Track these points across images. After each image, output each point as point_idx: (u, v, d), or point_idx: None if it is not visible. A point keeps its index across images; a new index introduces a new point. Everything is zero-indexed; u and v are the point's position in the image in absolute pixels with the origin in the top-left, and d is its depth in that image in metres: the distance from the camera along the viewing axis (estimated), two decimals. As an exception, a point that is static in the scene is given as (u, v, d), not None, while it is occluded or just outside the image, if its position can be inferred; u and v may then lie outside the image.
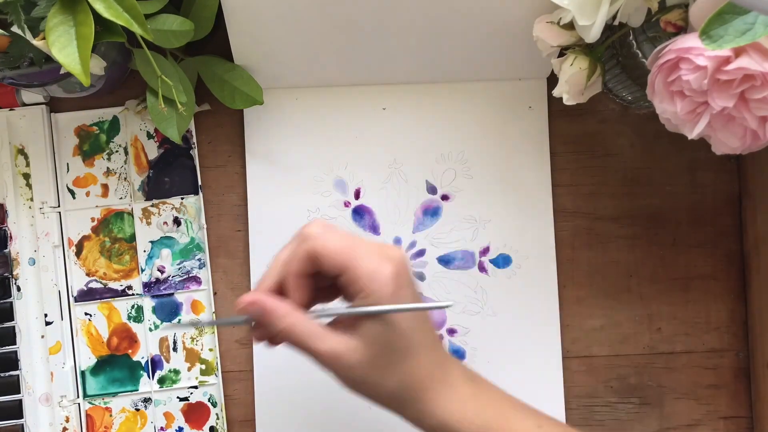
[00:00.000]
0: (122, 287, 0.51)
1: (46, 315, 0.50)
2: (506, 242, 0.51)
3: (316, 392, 0.50)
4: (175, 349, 0.51)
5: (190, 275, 0.51)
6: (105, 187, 0.51)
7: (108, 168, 0.51)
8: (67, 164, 0.51)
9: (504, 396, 0.40)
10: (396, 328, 0.35)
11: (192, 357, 0.50)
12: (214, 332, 0.50)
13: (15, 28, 0.38)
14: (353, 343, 0.35)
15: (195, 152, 0.51)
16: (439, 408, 0.37)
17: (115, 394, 0.50)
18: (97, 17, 0.37)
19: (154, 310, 0.51)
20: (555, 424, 0.39)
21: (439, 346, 0.38)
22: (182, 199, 0.51)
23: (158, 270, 0.51)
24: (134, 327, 0.51)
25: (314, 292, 0.38)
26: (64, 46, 0.37)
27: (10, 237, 0.50)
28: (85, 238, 0.51)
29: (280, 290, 0.37)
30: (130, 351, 0.51)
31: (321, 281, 0.37)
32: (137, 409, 0.51)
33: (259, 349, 0.50)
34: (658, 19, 0.38)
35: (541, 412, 0.40)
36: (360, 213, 0.51)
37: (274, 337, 0.37)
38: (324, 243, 0.35)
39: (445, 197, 0.51)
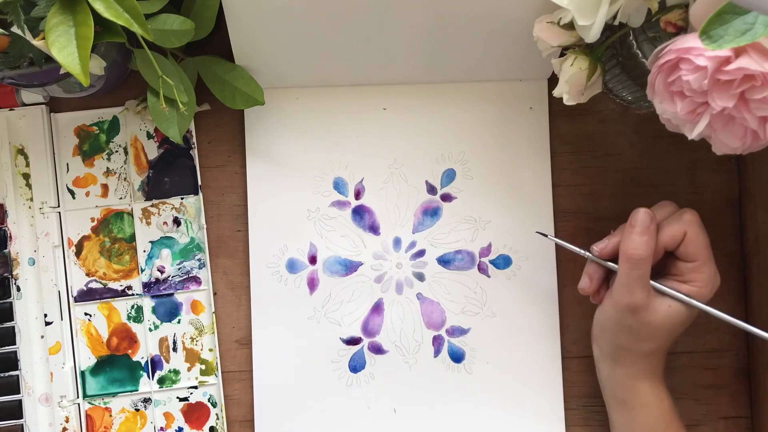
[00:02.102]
0: (122, 287, 0.51)
1: (45, 315, 0.50)
2: (506, 243, 0.51)
3: (316, 393, 0.50)
4: (174, 350, 0.51)
5: (190, 275, 0.51)
6: (105, 187, 0.51)
7: (108, 168, 0.51)
8: (67, 164, 0.51)
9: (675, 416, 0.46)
10: (691, 318, 0.43)
11: (192, 357, 0.50)
12: (214, 332, 0.50)
13: (15, 29, 0.38)
14: (660, 308, 0.43)
15: (195, 152, 0.51)
16: (656, 378, 0.45)
17: (114, 395, 0.50)
18: (97, 17, 0.37)
19: (154, 310, 0.51)
20: None
21: (664, 360, 0.46)
22: (182, 199, 0.51)
23: (158, 270, 0.51)
24: (134, 327, 0.51)
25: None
26: (64, 46, 0.37)
27: (10, 237, 0.50)
28: (84, 238, 0.51)
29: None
30: (129, 351, 0.51)
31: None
32: (137, 410, 0.51)
33: (259, 349, 0.50)
34: (658, 19, 0.38)
35: None
36: (360, 213, 0.51)
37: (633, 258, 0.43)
38: (698, 235, 0.43)
39: (445, 197, 0.51)
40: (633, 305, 0.43)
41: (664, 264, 0.45)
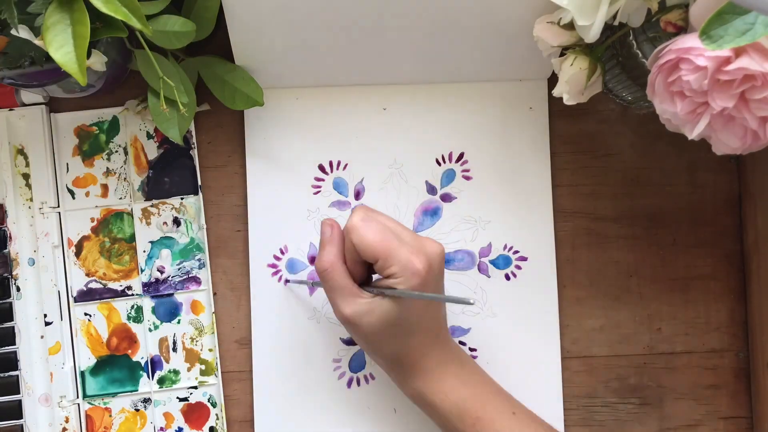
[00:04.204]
0: (122, 287, 0.51)
1: (45, 315, 0.50)
2: (506, 243, 0.51)
3: (315, 393, 0.50)
4: (174, 350, 0.50)
5: (190, 275, 0.51)
6: (105, 187, 0.51)
7: (108, 168, 0.51)
8: (67, 164, 0.51)
9: (486, 381, 0.45)
10: (405, 311, 0.41)
11: (192, 357, 0.50)
12: (214, 333, 0.50)
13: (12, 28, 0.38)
14: (370, 309, 0.41)
15: (195, 152, 0.51)
16: (419, 380, 0.43)
17: (114, 395, 0.50)
18: (97, 13, 0.37)
19: (154, 310, 0.51)
20: (529, 413, 0.44)
21: (440, 332, 0.44)
22: (182, 199, 0.51)
23: (158, 270, 0.51)
24: (134, 327, 0.51)
25: (367, 268, 0.44)
26: (61, 45, 0.37)
27: (10, 237, 0.50)
28: (84, 238, 0.51)
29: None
30: (129, 351, 0.51)
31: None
32: (137, 410, 0.50)
33: (259, 349, 0.50)
34: (658, 19, 0.38)
35: (517, 402, 0.45)
36: (360, 213, 0.51)
37: (319, 272, 0.43)
38: (360, 237, 0.41)
39: (445, 197, 0.51)
40: (342, 316, 0.42)
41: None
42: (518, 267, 0.51)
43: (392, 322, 0.41)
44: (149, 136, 0.51)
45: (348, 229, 0.42)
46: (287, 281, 0.50)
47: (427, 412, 0.45)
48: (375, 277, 0.45)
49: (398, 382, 0.45)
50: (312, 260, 0.51)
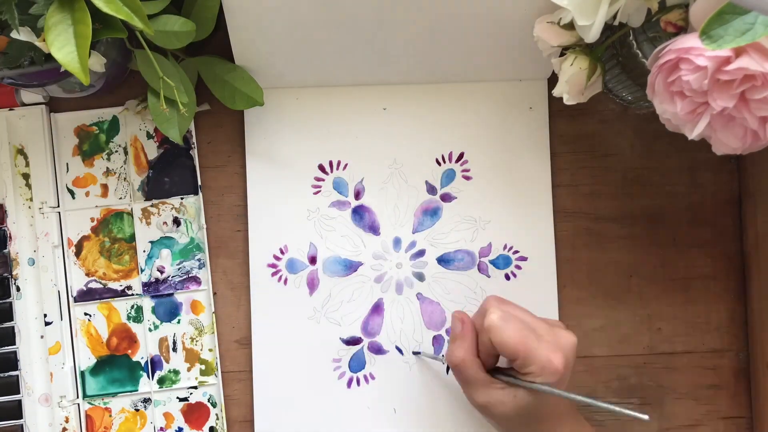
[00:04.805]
0: (122, 287, 0.51)
1: (45, 315, 0.50)
2: (506, 243, 0.51)
3: (315, 393, 0.50)
4: (174, 350, 0.50)
5: (190, 275, 0.51)
6: (104, 187, 0.51)
7: (108, 168, 0.51)
8: (67, 164, 0.51)
9: None
10: (539, 401, 0.42)
11: (191, 357, 0.50)
12: (214, 332, 0.50)
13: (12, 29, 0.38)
14: (505, 399, 0.42)
15: (195, 152, 0.51)
16: None
17: (114, 395, 0.50)
18: (98, 13, 0.37)
19: (154, 310, 0.51)
20: None
21: (576, 415, 0.44)
22: (182, 199, 0.51)
23: (158, 270, 0.51)
24: (134, 327, 0.51)
25: (496, 358, 0.44)
26: (63, 45, 0.37)
27: (10, 237, 0.50)
28: (84, 238, 0.51)
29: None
30: (129, 351, 0.51)
31: None
32: (137, 410, 0.50)
33: (259, 349, 0.50)
34: (658, 19, 0.38)
35: None
36: (360, 213, 0.51)
37: (451, 366, 0.44)
38: (501, 338, 0.41)
39: (445, 197, 0.51)
40: (477, 404, 0.43)
41: None
42: (518, 267, 0.51)
43: (526, 411, 0.42)
44: (149, 136, 0.51)
45: (488, 328, 0.42)
46: (418, 353, 0.50)
47: None
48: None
49: None
50: (312, 260, 0.51)
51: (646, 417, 0.37)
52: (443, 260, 0.51)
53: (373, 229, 0.51)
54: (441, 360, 0.49)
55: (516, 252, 0.51)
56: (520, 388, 0.42)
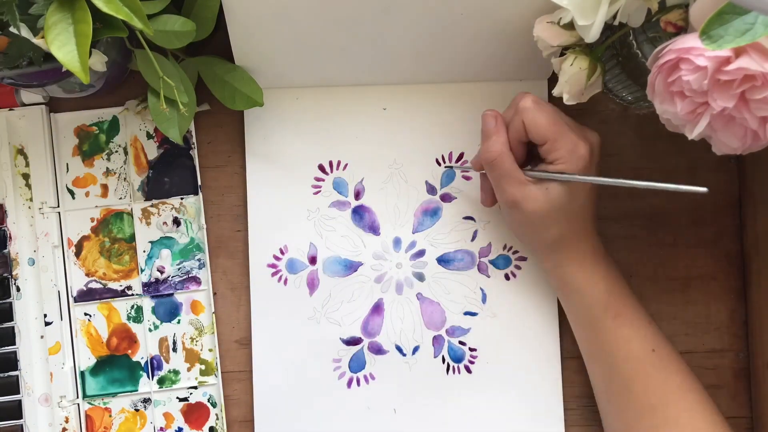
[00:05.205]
0: (122, 287, 0.51)
1: (45, 315, 0.50)
2: (506, 243, 0.51)
3: (315, 393, 0.50)
4: (174, 350, 0.50)
5: (190, 275, 0.51)
6: (104, 187, 0.51)
7: (107, 168, 0.51)
8: (67, 164, 0.51)
9: (620, 275, 0.46)
10: (570, 195, 0.43)
11: (191, 357, 0.50)
12: (214, 333, 0.50)
13: (13, 28, 0.38)
14: (538, 194, 0.43)
15: (195, 152, 0.51)
16: (574, 265, 0.45)
17: (114, 395, 0.50)
18: (98, 13, 0.37)
19: (154, 310, 0.51)
20: (664, 339, 0.45)
21: (595, 220, 0.46)
22: (182, 199, 0.51)
23: (158, 270, 0.51)
24: (134, 327, 0.51)
25: (527, 153, 0.45)
26: (63, 44, 0.37)
27: (10, 237, 0.50)
28: (84, 238, 0.51)
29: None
30: (129, 351, 0.51)
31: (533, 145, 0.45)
32: (137, 410, 0.50)
33: (259, 349, 0.50)
34: (658, 19, 0.38)
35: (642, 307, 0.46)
36: (360, 213, 0.51)
37: (488, 160, 0.44)
38: (533, 118, 0.42)
39: (445, 197, 0.51)
40: (509, 201, 0.44)
41: (538, 152, 0.45)
42: (518, 267, 0.51)
43: (558, 207, 0.43)
44: (149, 136, 0.51)
45: (521, 109, 0.43)
46: (450, 167, 0.50)
47: (572, 298, 0.46)
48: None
49: (551, 266, 0.46)
50: (312, 260, 0.51)
51: (704, 189, 0.37)
52: (443, 260, 0.51)
53: (373, 229, 0.51)
54: (470, 168, 0.49)
55: (516, 252, 0.51)
56: (552, 181, 0.43)
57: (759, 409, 0.50)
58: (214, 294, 0.51)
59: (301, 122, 0.51)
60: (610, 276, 0.45)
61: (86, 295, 0.51)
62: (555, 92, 0.43)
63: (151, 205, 0.51)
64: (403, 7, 0.43)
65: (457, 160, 0.51)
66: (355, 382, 0.50)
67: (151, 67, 0.43)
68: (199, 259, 0.51)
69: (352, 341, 0.50)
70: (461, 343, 0.50)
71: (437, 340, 0.51)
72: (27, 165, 0.50)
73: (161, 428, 0.50)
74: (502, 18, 0.44)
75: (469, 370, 0.50)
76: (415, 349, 0.50)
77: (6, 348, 0.50)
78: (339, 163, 0.51)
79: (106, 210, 0.51)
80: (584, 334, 0.46)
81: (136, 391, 0.50)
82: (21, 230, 0.50)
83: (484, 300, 0.50)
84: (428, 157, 0.51)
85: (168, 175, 0.51)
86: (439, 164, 0.51)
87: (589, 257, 0.45)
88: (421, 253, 0.51)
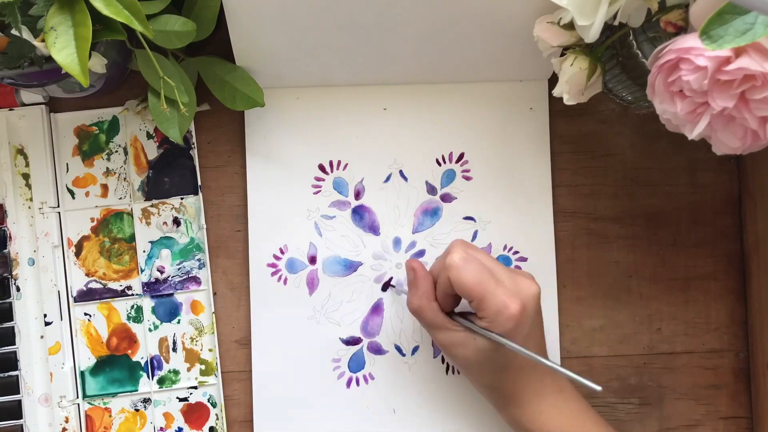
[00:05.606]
0: (122, 287, 0.51)
1: (45, 315, 0.50)
2: (506, 243, 0.51)
3: (315, 393, 0.50)
4: (174, 350, 0.50)
5: (190, 275, 0.51)
6: (104, 187, 0.51)
7: (107, 168, 0.51)
8: (67, 164, 0.51)
9: (584, 409, 0.45)
10: (499, 347, 0.41)
11: (191, 357, 0.50)
12: (213, 333, 0.50)
13: (14, 30, 0.38)
14: (466, 341, 0.42)
15: (195, 152, 0.51)
16: (516, 409, 0.44)
17: (114, 395, 0.50)
18: (98, 15, 0.37)
19: (154, 310, 0.50)
20: None
21: (539, 367, 0.43)
22: (182, 199, 0.51)
23: (158, 270, 0.51)
24: (134, 327, 0.51)
25: (457, 298, 0.44)
26: (63, 47, 0.37)
27: (10, 237, 0.50)
28: (84, 238, 0.51)
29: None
30: (129, 351, 0.51)
31: None
32: (137, 410, 0.50)
33: (258, 349, 0.50)
34: (658, 19, 0.38)
35: (614, 430, 0.44)
36: (360, 213, 0.51)
37: (411, 311, 0.45)
38: (458, 276, 0.41)
39: (445, 198, 0.51)
40: (439, 345, 0.44)
41: None
42: (518, 267, 0.51)
43: (486, 357, 0.42)
44: (149, 136, 0.51)
45: (448, 266, 0.41)
46: (392, 286, 0.50)
47: None
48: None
49: (496, 408, 0.46)
50: (312, 260, 0.51)
51: (598, 388, 0.36)
52: (443, 260, 0.51)
53: (373, 229, 0.51)
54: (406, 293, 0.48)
55: (516, 252, 0.51)
56: (474, 333, 0.42)
57: (759, 409, 0.50)
58: (214, 294, 0.51)
59: (301, 122, 0.51)
60: (560, 412, 0.43)
61: (86, 295, 0.51)
62: (555, 92, 0.43)
63: (151, 205, 0.51)
64: (403, 7, 0.43)
65: (457, 160, 0.51)
66: (354, 382, 0.50)
67: (151, 67, 0.43)
68: (199, 259, 0.51)
69: (352, 341, 0.50)
70: (461, 343, 0.50)
71: (437, 340, 0.50)
72: (27, 165, 0.50)
73: (161, 428, 0.50)
74: (502, 18, 0.44)
75: (469, 370, 0.50)
76: (415, 350, 0.50)
77: (6, 348, 0.50)
78: (339, 163, 0.51)
79: (106, 210, 0.51)
80: None
81: (136, 391, 0.50)
82: (21, 230, 0.50)
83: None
84: (428, 157, 0.51)
85: (168, 175, 0.51)
86: (439, 164, 0.51)
87: (532, 401, 0.43)
88: (421, 253, 0.51)
